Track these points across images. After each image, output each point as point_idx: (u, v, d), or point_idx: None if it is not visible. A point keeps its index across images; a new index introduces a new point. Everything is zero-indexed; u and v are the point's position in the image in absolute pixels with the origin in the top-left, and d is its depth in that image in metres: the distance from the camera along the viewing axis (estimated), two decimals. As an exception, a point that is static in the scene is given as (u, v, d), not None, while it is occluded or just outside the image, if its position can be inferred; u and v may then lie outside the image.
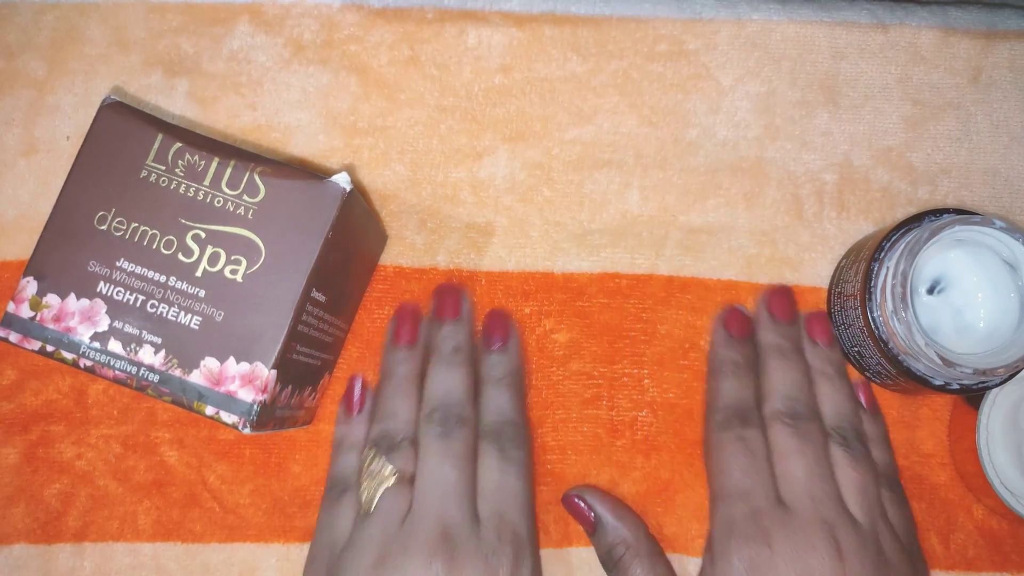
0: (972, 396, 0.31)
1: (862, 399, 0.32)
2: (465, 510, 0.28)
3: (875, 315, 0.29)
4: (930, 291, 0.30)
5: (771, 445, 0.29)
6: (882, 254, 0.29)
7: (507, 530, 0.28)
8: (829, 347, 0.32)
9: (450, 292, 0.32)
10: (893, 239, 0.29)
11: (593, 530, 0.31)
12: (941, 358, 0.27)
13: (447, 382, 0.30)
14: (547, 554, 0.32)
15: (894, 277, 0.28)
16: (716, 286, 0.34)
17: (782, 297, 0.33)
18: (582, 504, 0.31)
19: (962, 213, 0.30)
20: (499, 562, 0.27)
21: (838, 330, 0.32)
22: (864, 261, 0.30)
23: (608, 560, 0.30)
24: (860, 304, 0.29)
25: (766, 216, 0.34)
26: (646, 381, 0.33)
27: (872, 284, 0.29)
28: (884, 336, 0.29)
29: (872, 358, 0.30)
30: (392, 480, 0.28)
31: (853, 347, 0.31)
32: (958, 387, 0.29)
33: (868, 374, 0.32)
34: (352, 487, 0.29)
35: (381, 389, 0.31)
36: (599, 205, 0.34)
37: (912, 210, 0.34)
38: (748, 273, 0.34)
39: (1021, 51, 0.35)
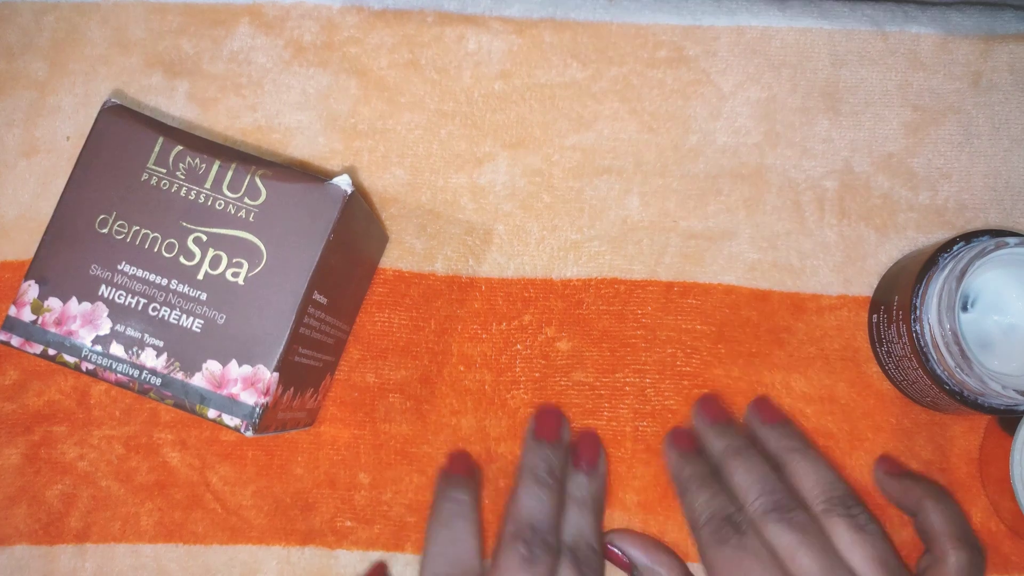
0: (1006, 420, 0.31)
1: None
2: None
3: (927, 351, 0.29)
4: (964, 307, 0.30)
5: (772, 547, 0.28)
6: (935, 269, 0.29)
7: None
8: (782, 423, 0.31)
9: (551, 415, 0.32)
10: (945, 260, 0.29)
11: (630, 574, 0.31)
12: (994, 382, 0.27)
13: (538, 505, 0.29)
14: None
15: (945, 294, 0.28)
16: (716, 291, 0.34)
17: (711, 403, 0.33)
18: (616, 550, 0.31)
19: (998, 234, 0.29)
20: None
21: (876, 346, 0.32)
22: (909, 283, 0.30)
23: None
24: (905, 326, 0.29)
25: (767, 222, 0.34)
26: (649, 391, 0.33)
27: (916, 300, 0.29)
28: (942, 375, 0.29)
29: (913, 372, 0.30)
30: None
31: (889, 362, 0.32)
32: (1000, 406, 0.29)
33: (900, 387, 0.32)
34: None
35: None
36: (599, 211, 0.34)
37: (913, 215, 0.34)
38: (748, 279, 0.34)
39: (1021, 54, 0.35)
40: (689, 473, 0.30)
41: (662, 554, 0.31)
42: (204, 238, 0.28)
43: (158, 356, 0.27)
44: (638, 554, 0.31)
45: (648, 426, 0.33)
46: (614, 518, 0.33)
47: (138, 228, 0.28)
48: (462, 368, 0.34)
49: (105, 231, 0.28)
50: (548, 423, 0.32)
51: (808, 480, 0.29)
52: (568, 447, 0.32)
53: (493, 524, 0.32)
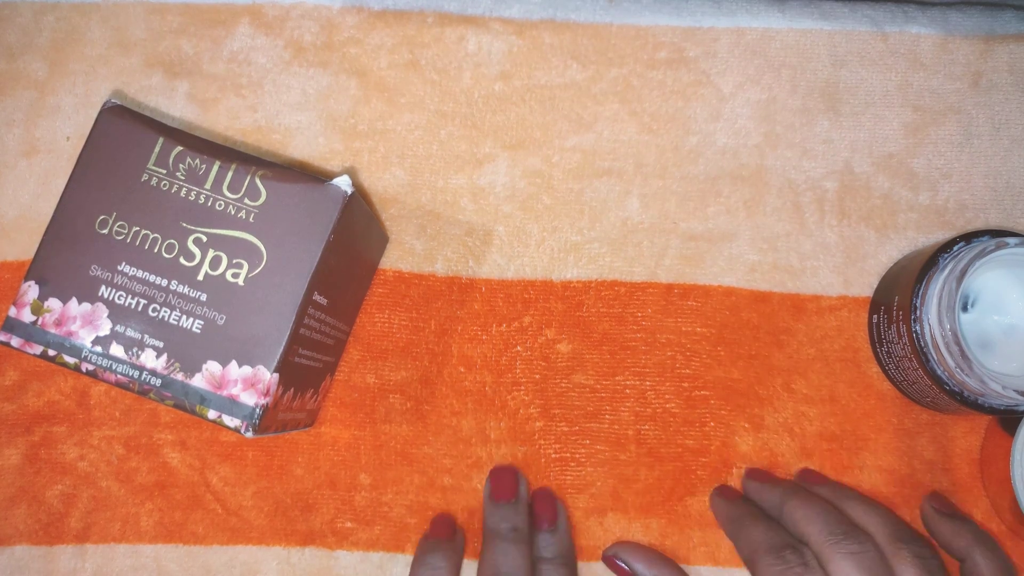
0: (1007, 420, 0.31)
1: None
2: None
3: (928, 353, 0.29)
4: (964, 308, 0.30)
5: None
6: (934, 270, 0.29)
7: None
8: (831, 483, 0.32)
9: (506, 473, 0.32)
10: (943, 259, 0.29)
11: None
12: (994, 382, 0.27)
13: (507, 559, 0.30)
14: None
15: (945, 295, 0.28)
16: (716, 293, 0.34)
17: (758, 470, 0.33)
18: (620, 563, 0.31)
19: (999, 234, 0.29)
20: None
21: (876, 347, 0.32)
22: (909, 285, 0.30)
23: None
24: (905, 326, 0.29)
25: (767, 224, 0.34)
26: (649, 394, 0.33)
27: (917, 301, 0.29)
28: (942, 376, 0.29)
29: (913, 372, 0.30)
30: None
31: (890, 362, 0.32)
32: (1000, 406, 0.29)
33: (901, 387, 0.32)
34: None
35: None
36: (599, 213, 0.34)
37: (913, 216, 0.34)
38: (749, 280, 0.34)
39: (1021, 54, 0.35)
40: (743, 511, 0.30)
41: (665, 566, 0.31)
42: (204, 239, 0.28)
43: (158, 357, 0.27)
44: (642, 567, 0.31)
45: (650, 429, 0.33)
46: (615, 522, 0.33)
47: (138, 229, 0.28)
48: (462, 369, 0.34)
49: (105, 232, 0.28)
50: (504, 482, 0.32)
51: (872, 519, 0.29)
52: (528, 504, 0.32)
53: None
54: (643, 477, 0.33)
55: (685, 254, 0.34)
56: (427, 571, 0.30)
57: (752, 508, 0.31)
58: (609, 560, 0.32)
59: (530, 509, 0.32)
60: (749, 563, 0.29)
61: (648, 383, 0.33)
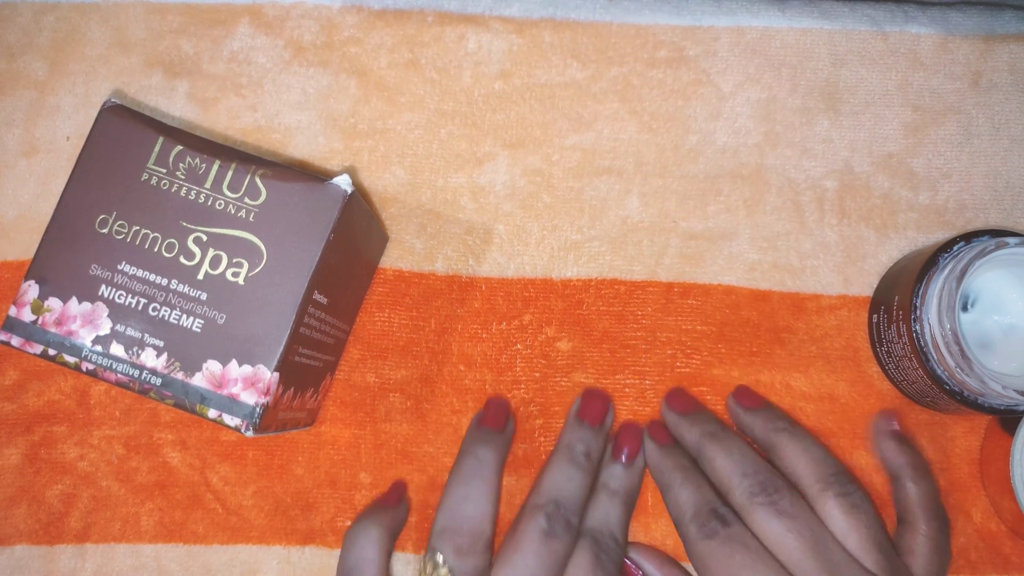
0: (1007, 420, 0.31)
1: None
2: None
3: (928, 353, 0.29)
4: (964, 307, 0.30)
5: (761, 535, 0.27)
6: (934, 269, 0.29)
7: None
8: (764, 407, 0.31)
9: (599, 398, 0.32)
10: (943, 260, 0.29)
11: None
12: (994, 382, 0.27)
13: (567, 483, 0.29)
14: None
15: (946, 295, 0.28)
16: (716, 291, 0.34)
17: (678, 394, 0.32)
18: (629, 563, 0.31)
19: (999, 234, 0.29)
20: None
21: (876, 347, 0.32)
22: (909, 284, 0.30)
23: None
24: (905, 326, 0.29)
25: (767, 223, 0.34)
26: (649, 392, 0.33)
27: (917, 301, 0.29)
28: (942, 376, 0.29)
29: (913, 372, 0.30)
30: None
31: (889, 362, 0.32)
32: (1000, 406, 0.29)
33: (900, 387, 0.32)
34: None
35: (459, 473, 0.30)
36: (599, 211, 0.34)
37: (913, 216, 0.34)
38: (749, 279, 0.34)
39: (1021, 54, 0.35)
40: (670, 465, 0.30)
41: (676, 570, 0.31)
42: (204, 238, 0.28)
43: (158, 356, 0.27)
44: (652, 569, 0.31)
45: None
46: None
47: (138, 228, 0.28)
48: (462, 367, 0.34)
49: (105, 231, 0.28)
50: (594, 406, 0.32)
51: (799, 461, 0.29)
52: (608, 435, 0.32)
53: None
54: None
55: (685, 253, 0.34)
56: (472, 462, 0.29)
57: (678, 461, 0.30)
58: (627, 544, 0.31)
59: (608, 443, 0.32)
60: (676, 525, 0.29)
61: (648, 382, 0.33)
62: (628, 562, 0.31)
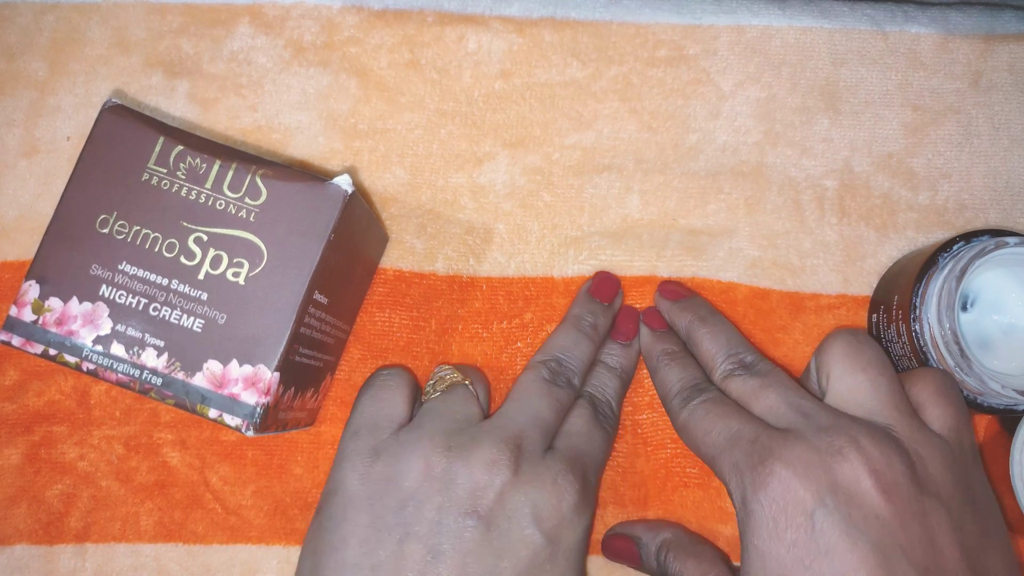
0: (1007, 419, 0.31)
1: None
2: (544, 439, 0.28)
3: (926, 347, 0.29)
4: (963, 307, 0.30)
5: (738, 395, 0.28)
6: (934, 269, 0.29)
7: (578, 465, 0.28)
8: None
9: (611, 280, 0.33)
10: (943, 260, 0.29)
11: (635, 547, 0.31)
12: (993, 381, 0.27)
13: (573, 346, 0.31)
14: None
15: (945, 294, 0.28)
16: (716, 287, 0.34)
17: (670, 283, 0.33)
18: (617, 532, 0.31)
19: (998, 234, 0.29)
20: (565, 490, 0.27)
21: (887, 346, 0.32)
22: (909, 283, 0.30)
23: (659, 570, 0.30)
24: (905, 326, 0.29)
25: (767, 221, 0.34)
26: (647, 382, 0.33)
27: (917, 301, 0.29)
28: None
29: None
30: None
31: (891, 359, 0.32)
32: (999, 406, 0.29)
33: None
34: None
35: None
36: (599, 210, 0.34)
37: (913, 215, 0.34)
38: (749, 276, 0.34)
39: (1021, 54, 0.35)
40: (660, 350, 0.31)
41: (662, 522, 0.31)
42: (205, 238, 0.28)
43: (159, 356, 0.27)
44: (640, 529, 0.31)
45: (646, 418, 0.33)
46: (615, 517, 0.33)
47: (139, 228, 0.28)
48: (462, 368, 0.34)
49: (106, 231, 0.28)
50: (606, 285, 0.33)
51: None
52: (614, 317, 0.33)
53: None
54: (640, 468, 0.33)
55: (686, 248, 0.34)
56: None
57: (668, 346, 0.31)
58: (607, 540, 0.31)
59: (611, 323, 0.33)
60: (663, 404, 0.31)
61: (645, 372, 0.33)
62: (615, 533, 0.31)
